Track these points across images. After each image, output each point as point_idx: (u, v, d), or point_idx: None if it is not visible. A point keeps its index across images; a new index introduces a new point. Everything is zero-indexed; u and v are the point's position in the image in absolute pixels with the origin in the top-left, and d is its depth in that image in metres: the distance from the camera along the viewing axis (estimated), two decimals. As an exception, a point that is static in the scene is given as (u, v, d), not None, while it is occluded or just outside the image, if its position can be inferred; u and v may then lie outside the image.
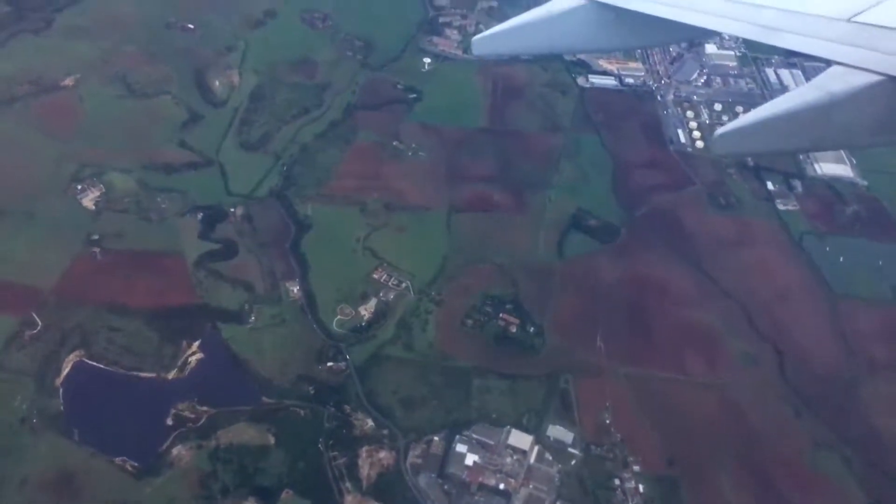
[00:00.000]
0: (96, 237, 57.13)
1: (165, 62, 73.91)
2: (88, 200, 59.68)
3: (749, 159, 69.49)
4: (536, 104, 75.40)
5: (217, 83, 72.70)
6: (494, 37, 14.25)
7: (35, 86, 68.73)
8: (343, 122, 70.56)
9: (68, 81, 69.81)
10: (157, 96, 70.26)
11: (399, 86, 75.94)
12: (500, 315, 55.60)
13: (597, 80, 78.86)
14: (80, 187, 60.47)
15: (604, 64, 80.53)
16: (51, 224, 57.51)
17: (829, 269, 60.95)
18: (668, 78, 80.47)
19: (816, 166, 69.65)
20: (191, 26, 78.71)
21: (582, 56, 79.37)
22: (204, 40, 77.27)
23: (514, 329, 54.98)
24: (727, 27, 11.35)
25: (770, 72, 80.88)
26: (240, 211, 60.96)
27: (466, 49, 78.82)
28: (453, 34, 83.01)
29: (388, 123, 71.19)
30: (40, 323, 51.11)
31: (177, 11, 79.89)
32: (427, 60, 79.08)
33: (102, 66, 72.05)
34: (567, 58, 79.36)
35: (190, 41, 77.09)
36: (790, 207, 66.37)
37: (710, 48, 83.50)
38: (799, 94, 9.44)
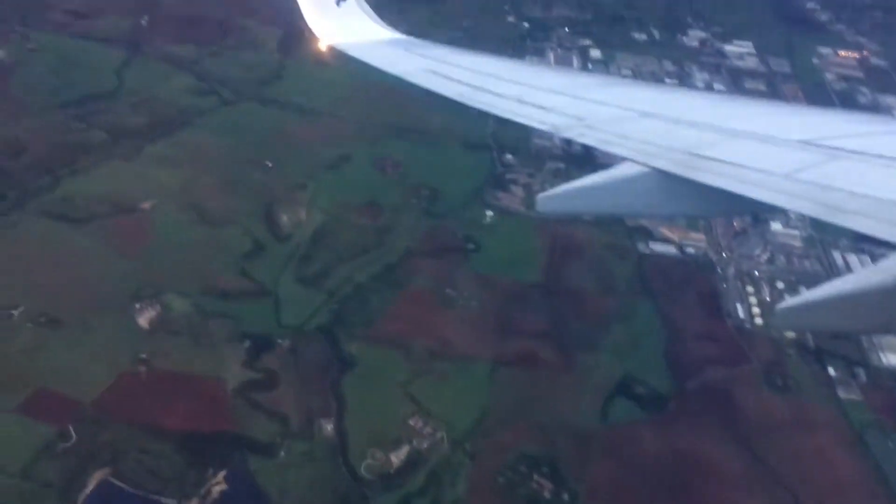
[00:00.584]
0: (144, 356, 57.68)
1: (239, 195, 77.51)
2: (144, 319, 60.84)
3: (811, 341, 67.39)
4: (594, 265, 75.48)
5: (285, 218, 75.50)
6: (559, 196, 14.27)
7: (114, 207, 72.50)
8: (399, 266, 71.61)
9: (145, 205, 73.46)
10: (227, 226, 73.08)
11: (458, 235, 77.57)
12: (535, 477, 52.87)
13: (657, 246, 78.81)
14: (138, 306, 61.81)
15: (665, 232, 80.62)
16: (104, 339, 58.51)
17: (891, 467, 56.85)
18: (731, 251, 79.86)
19: (882, 355, 66.45)
20: (269, 164, 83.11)
21: (643, 222, 80.00)
22: (279, 177, 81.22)
23: (547, 494, 51.97)
24: (791, 204, 11.09)
25: (837, 255, 79.43)
26: (287, 343, 61.19)
27: (530, 206, 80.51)
28: (518, 191, 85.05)
29: (444, 271, 71.93)
30: (75, 436, 50.85)
31: (259, 149, 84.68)
32: (489, 213, 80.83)
33: (180, 194, 75.94)
34: (628, 222, 79.94)
35: (266, 177, 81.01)
36: (852, 397, 62.82)
37: (776, 226, 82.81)
38: (866, 275, 9.13)
